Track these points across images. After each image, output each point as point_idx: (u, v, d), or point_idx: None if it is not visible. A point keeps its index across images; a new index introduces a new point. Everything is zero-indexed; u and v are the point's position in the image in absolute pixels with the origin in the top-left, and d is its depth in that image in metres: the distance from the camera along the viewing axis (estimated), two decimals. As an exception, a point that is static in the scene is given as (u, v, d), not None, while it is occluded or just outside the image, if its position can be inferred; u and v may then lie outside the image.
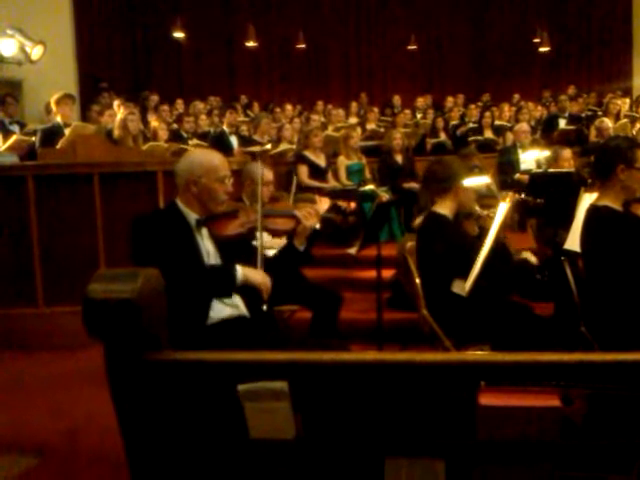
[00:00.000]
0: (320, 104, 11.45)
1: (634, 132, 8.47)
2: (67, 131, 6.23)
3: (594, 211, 3.09)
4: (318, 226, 3.20)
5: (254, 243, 2.95)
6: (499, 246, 3.38)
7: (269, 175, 4.10)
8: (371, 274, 4.44)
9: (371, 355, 1.13)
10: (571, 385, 1.13)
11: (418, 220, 3.91)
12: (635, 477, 1.18)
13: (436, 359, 1.15)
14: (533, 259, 3.76)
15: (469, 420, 1.14)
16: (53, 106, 6.78)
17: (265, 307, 2.81)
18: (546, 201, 5.01)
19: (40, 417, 3.45)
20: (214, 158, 2.84)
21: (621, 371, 1.12)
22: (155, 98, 10.16)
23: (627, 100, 10.35)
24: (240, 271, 2.71)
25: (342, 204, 6.36)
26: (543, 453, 1.14)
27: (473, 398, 1.14)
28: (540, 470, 1.14)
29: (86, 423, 3.31)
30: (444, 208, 3.47)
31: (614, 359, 1.11)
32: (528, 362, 1.13)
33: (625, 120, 9.09)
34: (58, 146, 5.82)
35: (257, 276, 2.75)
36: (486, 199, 4.23)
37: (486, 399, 1.13)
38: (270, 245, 3.49)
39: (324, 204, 3.10)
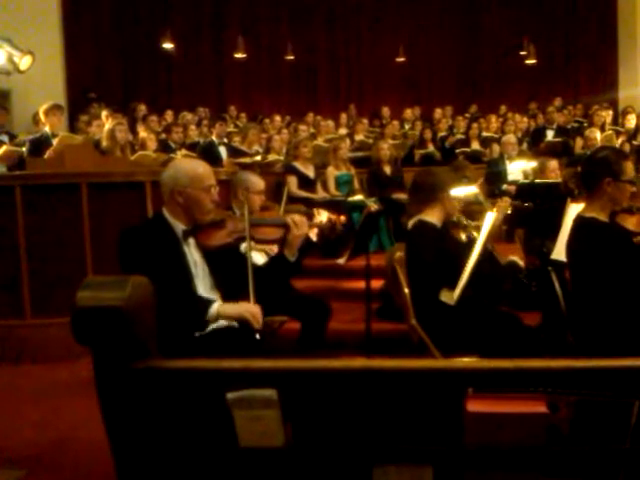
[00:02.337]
0: (310, 115, 11.49)
1: (617, 145, 8.56)
2: (55, 141, 6.21)
3: (581, 221, 3.11)
4: (315, 238, 3.17)
5: (242, 250, 2.92)
6: (487, 255, 3.41)
7: (261, 184, 4.07)
8: (360, 284, 4.44)
9: (359, 362, 1.14)
10: (557, 392, 1.14)
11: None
12: (621, 483, 1.19)
13: (424, 366, 1.16)
14: (520, 262, 3.79)
15: (457, 426, 1.15)
16: (41, 116, 6.77)
17: (258, 336, 2.64)
18: (533, 212, 5.04)
19: (28, 429, 3.44)
20: (199, 167, 2.81)
21: (606, 377, 1.13)
22: (143, 108, 10.15)
23: (610, 112, 10.45)
24: (215, 307, 2.63)
25: (332, 216, 6.35)
26: (530, 459, 1.15)
27: (461, 405, 1.15)
28: (527, 476, 1.15)
29: (74, 435, 3.30)
30: (432, 216, 3.52)
31: (599, 365, 1.12)
32: (515, 369, 1.14)
33: (610, 132, 9.19)
34: (46, 156, 5.81)
35: (237, 308, 2.66)
36: (473, 206, 4.27)
37: (474, 406, 1.14)
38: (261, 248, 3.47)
39: (322, 216, 3.08)
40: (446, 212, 3.54)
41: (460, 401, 1.14)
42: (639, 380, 1.14)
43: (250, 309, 2.64)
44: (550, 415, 1.14)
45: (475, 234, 3.68)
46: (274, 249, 3.31)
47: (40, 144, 6.39)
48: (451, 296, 3.18)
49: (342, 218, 3.12)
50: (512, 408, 1.12)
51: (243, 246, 2.91)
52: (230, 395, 1.15)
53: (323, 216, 3.11)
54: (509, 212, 3.88)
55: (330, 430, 1.20)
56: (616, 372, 1.13)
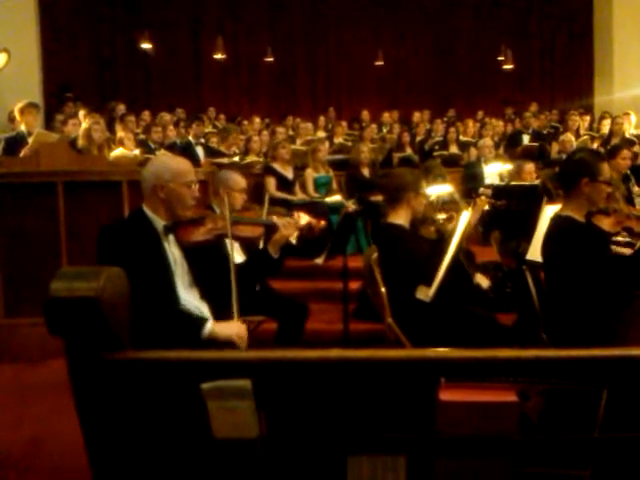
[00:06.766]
0: (290, 118, 11.49)
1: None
2: (30, 140, 6.15)
3: (557, 220, 3.15)
4: (294, 241, 3.18)
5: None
6: (462, 256, 3.44)
7: (243, 182, 4.05)
8: (338, 285, 4.46)
9: (333, 352, 1.15)
10: (528, 381, 1.16)
11: None
12: (591, 472, 1.21)
13: (397, 356, 1.17)
14: (484, 283, 3.82)
15: (429, 416, 1.16)
16: (17, 115, 6.70)
17: None
18: (510, 214, 5.09)
19: (1, 429, 3.39)
20: (180, 163, 2.85)
21: (575, 367, 1.15)
22: (122, 108, 10.08)
23: (587, 118, 10.60)
24: (209, 327, 2.63)
25: (312, 220, 6.34)
26: (502, 448, 1.17)
27: (433, 394, 1.16)
28: (498, 465, 1.17)
29: (47, 435, 3.27)
30: (398, 218, 3.56)
31: (568, 355, 1.15)
32: (486, 358, 1.16)
33: (586, 137, 9.33)
34: (21, 154, 5.74)
35: (228, 330, 2.66)
36: (448, 205, 4.31)
37: (446, 395, 1.15)
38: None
39: (302, 220, 3.09)
40: (413, 211, 3.58)
41: (432, 390, 1.15)
42: (607, 370, 1.16)
43: (241, 332, 2.68)
44: (521, 404, 1.16)
45: (445, 227, 3.73)
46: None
47: (15, 143, 6.33)
48: (427, 293, 3.21)
49: (322, 222, 3.14)
50: (484, 397, 1.14)
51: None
52: (204, 386, 1.16)
53: (303, 220, 3.13)
54: (486, 208, 3.91)
55: (303, 421, 1.21)
56: (585, 362, 1.15)
